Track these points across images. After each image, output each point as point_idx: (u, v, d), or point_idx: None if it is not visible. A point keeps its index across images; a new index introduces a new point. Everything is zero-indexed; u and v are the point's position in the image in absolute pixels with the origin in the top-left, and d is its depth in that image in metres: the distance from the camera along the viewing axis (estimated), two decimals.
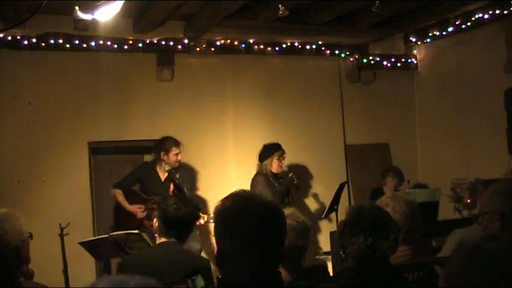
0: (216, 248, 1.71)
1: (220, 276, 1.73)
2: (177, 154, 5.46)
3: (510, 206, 2.19)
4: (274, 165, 5.70)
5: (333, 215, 5.90)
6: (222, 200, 1.74)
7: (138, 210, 5.36)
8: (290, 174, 5.71)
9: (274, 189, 5.58)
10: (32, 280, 2.72)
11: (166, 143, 5.48)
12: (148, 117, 6.33)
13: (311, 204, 6.90)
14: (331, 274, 3.26)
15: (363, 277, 2.30)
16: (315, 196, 6.91)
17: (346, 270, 2.45)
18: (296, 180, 5.70)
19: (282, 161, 5.75)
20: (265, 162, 5.73)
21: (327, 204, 5.85)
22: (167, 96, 6.44)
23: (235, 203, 1.72)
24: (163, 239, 3.13)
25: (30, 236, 2.62)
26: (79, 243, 4.45)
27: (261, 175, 5.71)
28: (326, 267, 3.33)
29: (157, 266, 2.93)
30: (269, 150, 5.75)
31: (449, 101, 7.07)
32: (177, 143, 5.48)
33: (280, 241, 1.73)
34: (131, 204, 5.41)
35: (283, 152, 5.77)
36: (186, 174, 5.59)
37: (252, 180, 5.74)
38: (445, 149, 7.15)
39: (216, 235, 1.72)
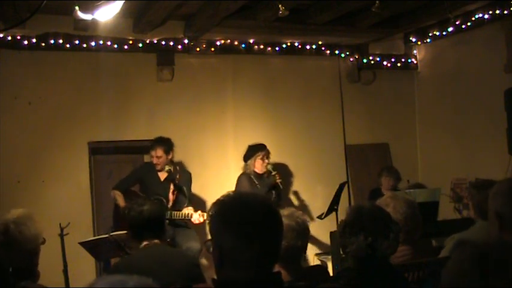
0: (213, 246, 1.71)
1: (215, 277, 1.72)
2: (152, 156, 5.50)
3: (507, 206, 2.18)
4: (257, 165, 5.71)
5: (333, 215, 5.89)
6: (219, 198, 1.75)
7: None
8: (274, 173, 5.67)
9: (255, 189, 5.59)
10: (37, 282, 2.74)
11: (151, 142, 5.56)
12: (148, 117, 6.33)
13: (311, 204, 6.89)
14: (331, 274, 3.26)
15: (363, 277, 2.30)
16: (315, 196, 6.91)
17: (346, 270, 2.45)
18: (279, 179, 5.65)
19: (266, 161, 5.73)
20: (249, 162, 5.76)
21: (327, 204, 5.84)
22: (167, 96, 6.43)
23: (233, 201, 1.73)
24: (145, 242, 3.14)
25: (44, 241, 2.66)
26: (79, 243, 4.46)
27: (244, 175, 5.76)
28: (326, 267, 3.33)
29: (148, 269, 2.91)
30: (252, 150, 5.78)
31: (449, 101, 7.07)
32: (152, 145, 5.50)
33: (278, 239, 1.74)
34: None
35: (267, 152, 5.77)
36: (185, 175, 5.58)
37: (236, 180, 5.79)
38: (445, 149, 7.15)
39: (214, 233, 1.71)
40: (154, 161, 5.48)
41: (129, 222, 3.18)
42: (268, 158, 5.78)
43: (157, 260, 3.01)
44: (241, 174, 5.82)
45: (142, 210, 3.13)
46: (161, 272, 2.92)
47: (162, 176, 5.51)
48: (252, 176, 5.73)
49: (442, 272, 1.37)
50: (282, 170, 6.84)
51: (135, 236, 3.19)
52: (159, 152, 5.45)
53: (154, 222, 3.15)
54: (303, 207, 6.76)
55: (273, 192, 5.73)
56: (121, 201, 5.41)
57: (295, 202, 6.88)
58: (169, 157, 5.52)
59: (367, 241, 2.28)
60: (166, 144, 5.50)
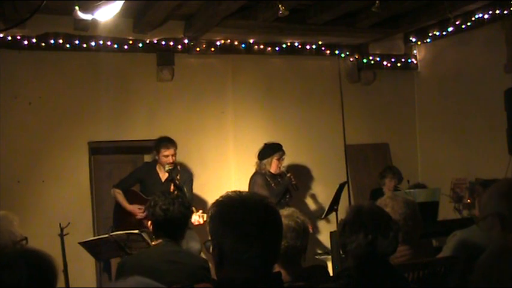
0: (212, 246, 1.71)
1: (216, 278, 1.72)
2: (166, 156, 5.39)
3: (508, 206, 2.17)
4: (274, 166, 5.66)
5: (332, 215, 5.90)
6: (218, 198, 1.75)
7: (137, 210, 5.34)
8: (288, 175, 5.65)
9: (271, 190, 5.57)
10: None
11: (159, 143, 5.46)
12: (148, 117, 6.34)
13: (311, 204, 6.90)
14: (331, 274, 3.26)
15: (363, 277, 2.30)
16: (315, 196, 6.91)
17: (346, 270, 2.44)
18: (294, 181, 5.65)
19: (282, 162, 5.73)
20: (265, 161, 5.68)
21: (327, 204, 5.84)
22: (167, 96, 6.44)
23: (232, 201, 1.73)
24: (159, 240, 3.13)
25: (25, 239, 2.64)
26: (79, 243, 4.46)
27: (259, 175, 5.68)
28: (326, 267, 3.33)
29: (157, 267, 2.93)
30: (270, 150, 5.70)
31: (449, 101, 7.07)
32: (167, 145, 5.40)
33: (278, 239, 1.74)
34: (131, 203, 5.41)
35: (284, 153, 5.73)
36: (186, 175, 5.57)
37: (250, 179, 5.72)
38: (445, 149, 7.15)
39: (213, 233, 1.71)
40: (170, 160, 5.39)
41: (151, 217, 3.14)
42: (283, 159, 5.73)
43: (165, 259, 3.00)
44: (255, 174, 5.72)
45: (168, 209, 3.07)
46: (169, 271, 2.92)
47: (163, 176, 5.51)
48: (267, 176, 5.69)
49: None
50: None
51: (153, 231, 3.17)
52: (174, 150, 5.40)
53: (175, 225, 3.11)
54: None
55: (287, 193, 5.74)
56: (122, 199, 5.41)
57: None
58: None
59: (367, 239, 2.29)
60: (176, 144, 5.49)
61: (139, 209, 5.31)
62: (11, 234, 2.59)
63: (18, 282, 1.46)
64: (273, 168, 5.67)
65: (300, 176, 6.98)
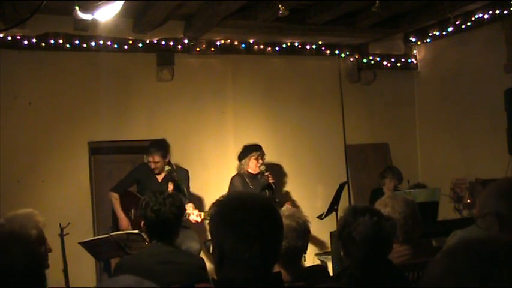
0: (213, 246, 1.71)
1: (216, 277, 1.72)
2: (149, 162, 5.47)
3: (507, 206, 2.16)
4: (251, 165, 5.68)
5: (333, 215, 5.89)
6: (219, 198, 1.75)
7: (126, 225, 5.33)
8: (266, 174, 5.65)
9: (248, 190, 5.57)
10: None
11: (148, 147, 5.53)
12: (148, 117, 6.34)
13: (311, 204, 6.89)
14: (331, 274, 3.26)
15: (365, 276, 2.31)
16: (315, 196, 6.91)
17: (347, 269, 2.44)
18: (272, 179, 5.63)
19: (260, 161, 5.71)
20: (243, 162, 5.73)
21: (327, 204, 5.84)
22: (167, 96, 6.44)
23: (232, 201, 1.73)
24: (153, 241, 3.13)
25: (42, 240, 2.66)
26: (79, 243, 4.45)
27: (237, 175, 5.74)
28: (326, 267, 3.33)
29: (153, 268, 2.92)
30: (247, 151, 5.75)
31: (449, 101, 7.07)
32: (150, 150, 5.45)
33: (278, 239, 1.74)
34: (127, 205, 5.42)
35: (262, 153, 5.74)
36: (182, 173, 5.57)
37: (230, 181, 5.76)
38: (445, 149, 7.15)
39: (214, 233, 1.71)
40: (152, 166, 5.46)
41: (144, 219, 3.14)
42: (262, 159, 5.75)
43: (161, 260, 3.00)
44: (234, 175, 5.78)
45: (159, 210, 3.06)
46: (165, 272, 2.92)
47: (160, 176, 5.51)
48: (245, 177, 5.71)
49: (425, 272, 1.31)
50: (280, 170, 6.85)
51: (146, 232, 3.18)
52: (157, 157, 5.43)
53: (167, 225, 3.09)
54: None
55: (266, 192, 5.72)
56: (117, 207, 5.42)
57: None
58: (167, 160, 5.52)
59: (373, 220, 2.33)
60: (163, 149, 5.47)
61: (128, 224, 5.33)
62: (41, 233, 2.62)
63: (12, 263, 1.44)
64: (251, 168, 5.69)
65: (300, 176, 6.99)
